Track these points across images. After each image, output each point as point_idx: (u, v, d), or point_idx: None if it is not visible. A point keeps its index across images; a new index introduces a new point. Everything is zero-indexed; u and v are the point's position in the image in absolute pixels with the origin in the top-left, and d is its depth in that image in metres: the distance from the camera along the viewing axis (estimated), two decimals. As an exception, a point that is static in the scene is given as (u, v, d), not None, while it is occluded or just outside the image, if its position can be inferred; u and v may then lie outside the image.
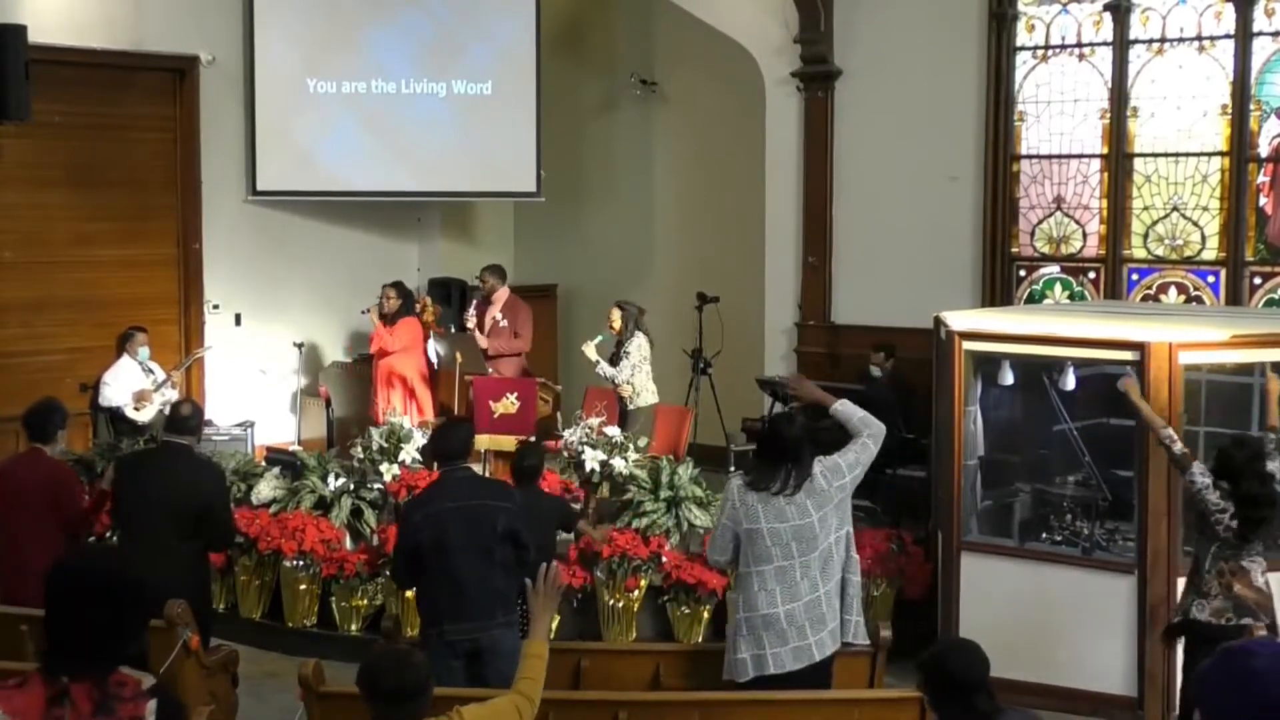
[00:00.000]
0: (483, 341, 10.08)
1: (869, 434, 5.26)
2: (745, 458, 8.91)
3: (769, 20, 10.72)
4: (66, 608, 3.11)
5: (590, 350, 9.53)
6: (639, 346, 9.54)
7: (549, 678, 4.10)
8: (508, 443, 8.74)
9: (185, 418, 6.34)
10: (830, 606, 5.14)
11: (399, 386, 10.20)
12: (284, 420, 11.43)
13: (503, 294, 10.38)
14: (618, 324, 9.61)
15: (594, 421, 8.49)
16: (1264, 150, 9.03)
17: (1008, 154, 9.83)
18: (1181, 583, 6.54)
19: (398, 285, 10.49)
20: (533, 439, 8.26)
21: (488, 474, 8.31)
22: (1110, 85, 9.48)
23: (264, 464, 8.87)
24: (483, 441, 8.79)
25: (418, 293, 11.91)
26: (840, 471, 5.17)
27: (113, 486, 6.44)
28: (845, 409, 5.33)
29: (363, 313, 10.59)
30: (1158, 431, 5.98)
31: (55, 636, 3.14)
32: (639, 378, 9.52)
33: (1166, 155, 9.34)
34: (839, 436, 5.41)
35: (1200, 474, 5.67)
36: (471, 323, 10.34)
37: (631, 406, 9.54)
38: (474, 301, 10.56)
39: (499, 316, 10.27)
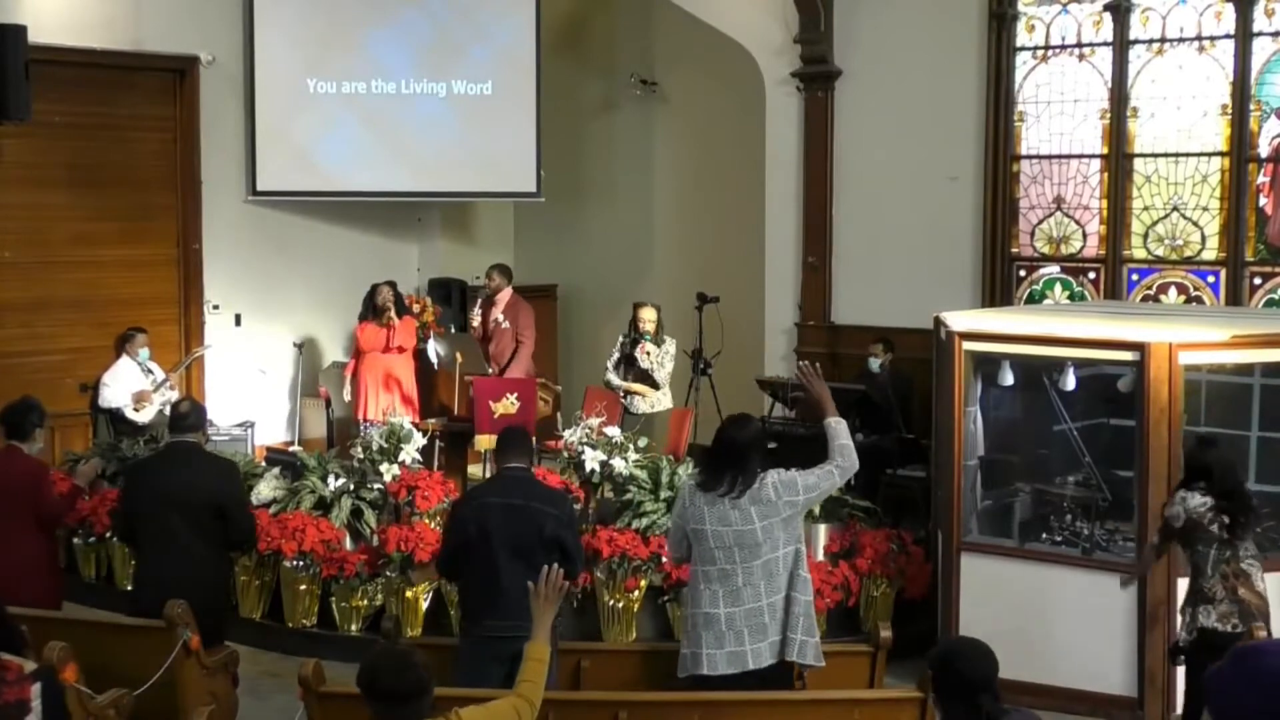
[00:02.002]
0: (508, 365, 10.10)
1: (840, 464, 5.15)
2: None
3: (769, 20, 10.72)
4: None
5: (655, 353, 9.56)
6: (675, 346, 9.66)
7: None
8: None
9: (185, 415, 6.34)
10: (774, 619, 5.06)
11: (396, 389, 10.19)
12: (284, 420, 11.43)
13: (506, 294, 10.37)
14: (654, 325, 9.62)
15: (594, 421, 8.49)
16: (1264, 150, 9.03)
17: (1008, 154, 9.83)
18: (1182, 584, 6.54)
19: (393, 284, 10.49)
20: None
21: (487, 473, 8.30)
22: (1110, 85, 9.48)
23: (264, 464, 8.87)
24: (483, 442, 8.80)
25: (418, 293, 11.93)
26: (795, 488, 5.07)
27: (122, 492, 6.47)
28: (836, 429, 5.21)
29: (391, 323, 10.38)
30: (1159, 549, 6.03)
31: None
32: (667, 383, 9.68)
33: (1166, 155, 9.34)
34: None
35: (1177, 503, 5.67)
36: (476, 321, 10.32)
37: (660, 408, 9.59)
38: (478, 301, 10.51)
39: (500, 318, 10.26)
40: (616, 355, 9.75)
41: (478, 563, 5.52)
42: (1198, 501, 5.59)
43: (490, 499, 5.61)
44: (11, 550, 6.40)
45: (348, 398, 10.34)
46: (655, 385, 9.64)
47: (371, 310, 10.25)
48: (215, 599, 6.04)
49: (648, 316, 9.66)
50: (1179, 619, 5.83)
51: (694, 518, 5.11)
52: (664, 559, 7.58)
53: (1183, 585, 6.51)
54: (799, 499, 5.08)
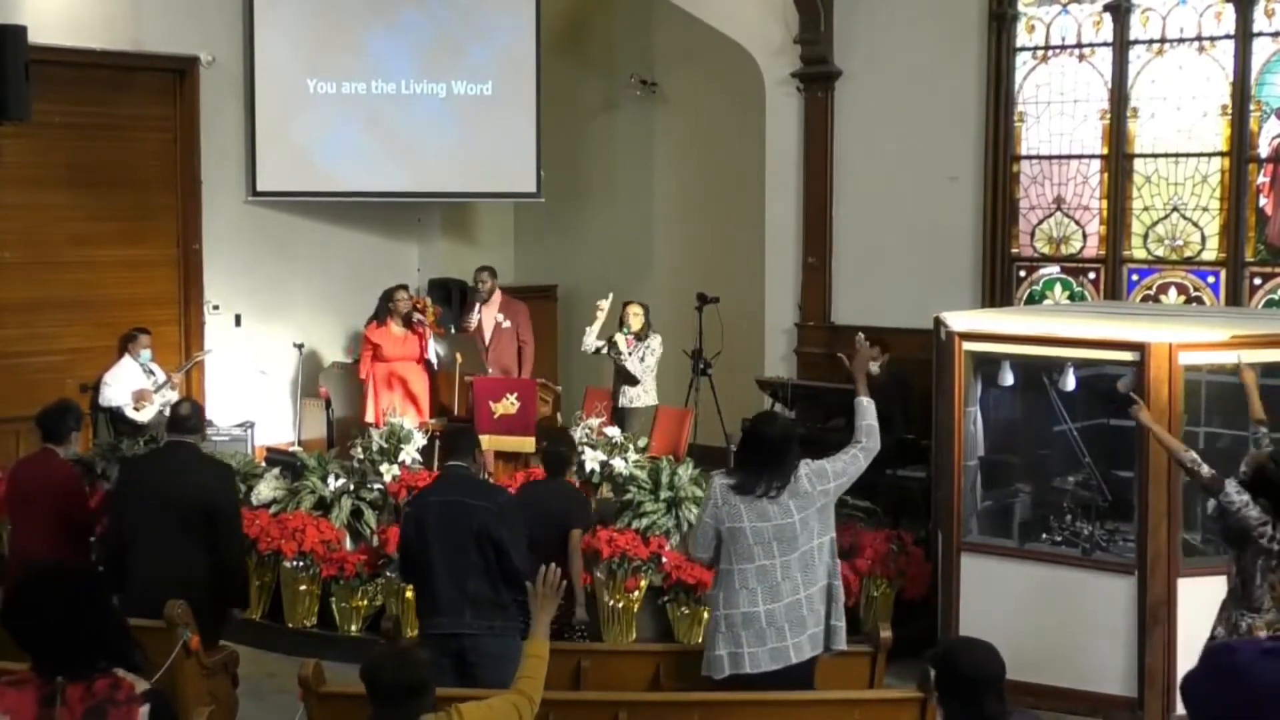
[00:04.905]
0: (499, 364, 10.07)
1: (864, 447, 5.22)
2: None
3: (769, 20, 10.73)
4: (37, 616, 3.22)
5: (597, 326, 9.55)
6: (660, 344, 9.63)
7: (549, 678, 4.10)
8: (508, 443, 8.76)
9: (186, 417, 6.30)
10: (812, 611, 5.11)
11: (399, 388, 10.18)
12: (284, 421, 11.43)
13: (498, 294, 10.38)
14: (639, 323, 9.63)
15: (594, 422, 8.50)
16: (1264, 150, 9.03)
17: (1008, 154, 9.83)
18: (1182, 584, 6.55)
19: (406, 287, 10.48)
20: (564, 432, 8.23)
21: (487, 474, 8.29)
22: (1110, 86, 9.48)
23: (264, 464, 8.87)
24: (483, 443, 8.79)
25: (418, 293, 11.91)
26: (826, 476, 5.15)
27: (114, 486, 6.40)
28: (865, 408, 5.29)
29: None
30: (1180, 457, 5.79)
31: (37, 642, 3.23)
32: (648, 378, 9.61)
33: (1166, 156, 9.34)
34: (841, 438, 5.38)
35: (1236, 492, 5.49)
36: (473, 324, 10.29)
37: (633, 406, 9.58)
38: (477, 305, 10.47)
39: (500, 318, 10.25)
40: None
41: (417, 562, 5.52)
42: (1255, 514, 5.45)
43: (428, 498, 5.62)
44: (46, 555, 6.34)
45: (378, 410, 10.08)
46: (632, 379, 9.63)
47: (389, 315, 10.11)
48: (207, 602, 5.96)
49: (632, 314, 9.69)
50: (1219, 618, 5.70)
51: (730, 516, 5.10)
52: (663, 559, 7.59)
53: (1184, 585, 6.52)
54: (830, 485, 5.15)
